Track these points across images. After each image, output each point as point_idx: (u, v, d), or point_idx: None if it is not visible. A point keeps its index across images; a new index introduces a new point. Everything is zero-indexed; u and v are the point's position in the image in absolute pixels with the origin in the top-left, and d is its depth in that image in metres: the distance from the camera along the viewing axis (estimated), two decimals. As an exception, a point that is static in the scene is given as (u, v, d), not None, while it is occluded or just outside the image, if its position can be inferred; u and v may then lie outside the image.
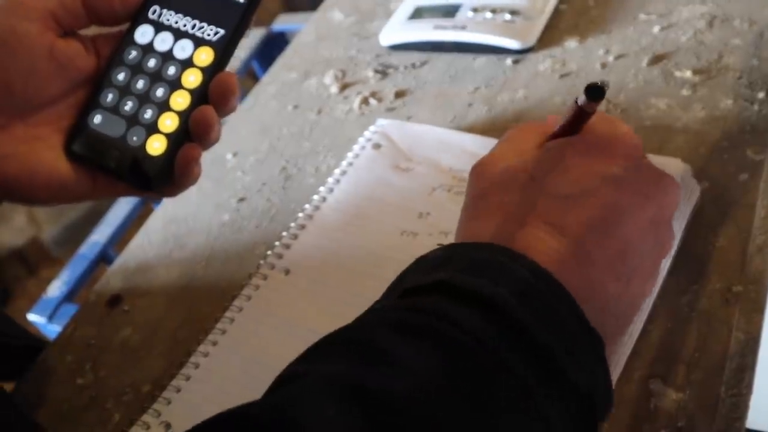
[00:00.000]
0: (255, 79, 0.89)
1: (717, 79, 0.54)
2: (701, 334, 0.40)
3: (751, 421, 0.38)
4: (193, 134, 0.40)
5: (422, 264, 0.34)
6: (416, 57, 0.68)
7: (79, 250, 0.79)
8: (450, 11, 0.67)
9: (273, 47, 1.02)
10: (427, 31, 0.67)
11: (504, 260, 0.32)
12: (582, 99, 0.36)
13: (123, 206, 0.85)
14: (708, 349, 0.40)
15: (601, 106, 0.55)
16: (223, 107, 0.40)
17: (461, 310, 0.30)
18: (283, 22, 1.07)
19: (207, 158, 0.67)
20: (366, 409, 0.27)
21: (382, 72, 0.68)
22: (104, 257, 0.80)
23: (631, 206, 0.35)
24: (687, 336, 0.40)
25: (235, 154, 0.66)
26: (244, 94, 0.74)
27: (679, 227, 0.44)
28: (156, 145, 0.40)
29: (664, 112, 0.53)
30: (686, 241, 0.44)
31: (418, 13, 0.69)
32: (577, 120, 0.37)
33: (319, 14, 0.80)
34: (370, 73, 0.68)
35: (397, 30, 0.69)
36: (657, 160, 0.47)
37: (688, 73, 0.55)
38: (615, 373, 0.39)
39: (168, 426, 0.45)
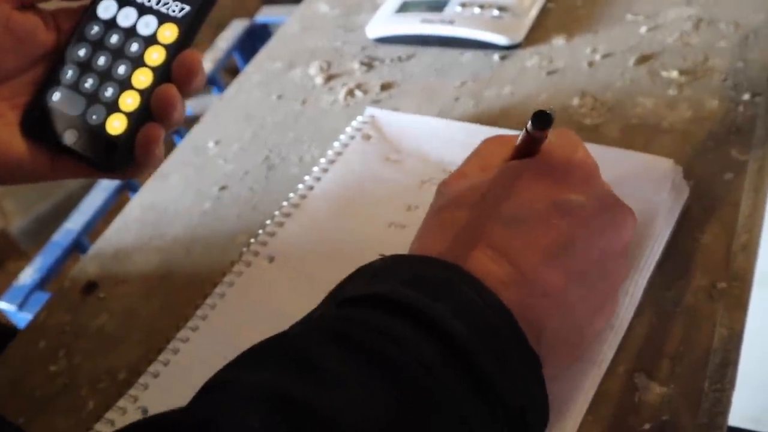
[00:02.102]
0: (235, 71, 0.88)
1: (703, 80, 0.54)
2: (686, 330, 0.40)
3: (733, 418, 0.38)
4: (155, 114, 0.39)
5: (364, 273, 0.33)
6: (403, 50, 0.67)
7: (53, 237, 0.78)
8: (438, 5, 0.66)
9: (255, 39, 1.01)
10: (414, 25, 0.66)
11: (447, 276, 0.31)
12: (530, 125, 0.35)
13: (98, 194, 0.83)
14: (692, 344, 0.40)
15: (589, 104, 0.55)
16: (187, 86, 0.39)
17: (398, 326, 0.29)
18: (266, 14, 1.06)
19: (188, 146, 0.66)
20: (292, 422, 0.26)
21: (368, 64, 0.67)
22: (78, 246, 0.78)
23: (581, 235, 0.34)
24: (672, 331, 0.41)
25: (217, 142, 0.65)
26: (225, 86, 0.73)
27: (668, 226, 0.44)
28: (116, 124, 0.39)
29: (651, 112, 0.53)
30: (673, 239, 0.44)
31: (405, 7, 0.68)
32: (529, 145, 0.37)
33: (304, 6, 0.79)
34: (356, 65, 0.67)
35: (384, 23, 0.68)
36: (650, 159, 0.47)
37: (675, 74, 0.55)
38: (602, 367, 0.39)
39: (145, 411, 0.44)
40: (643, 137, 0.52)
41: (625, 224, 0.35)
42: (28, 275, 0.74)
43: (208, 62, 1.03)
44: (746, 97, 0.52)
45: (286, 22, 0.78)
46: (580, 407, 0.38)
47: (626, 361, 0.40)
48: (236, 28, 1.06)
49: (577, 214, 0.34)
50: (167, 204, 0.61)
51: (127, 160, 0.39)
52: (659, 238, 0.44)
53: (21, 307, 0.71)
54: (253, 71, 0.72)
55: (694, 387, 0.38)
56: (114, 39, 0.40)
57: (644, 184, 0.45)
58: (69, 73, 0.40)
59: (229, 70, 1.14)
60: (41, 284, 0.74)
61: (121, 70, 0.39)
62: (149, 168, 0.41)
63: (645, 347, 0.40)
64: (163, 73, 0.39)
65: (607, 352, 0.40)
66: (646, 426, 0.37)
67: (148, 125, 0.39)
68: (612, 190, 0.37)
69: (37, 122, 0.39)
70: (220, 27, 1.09)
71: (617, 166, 0.47)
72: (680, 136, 0.51)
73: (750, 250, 0.43)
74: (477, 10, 0.64)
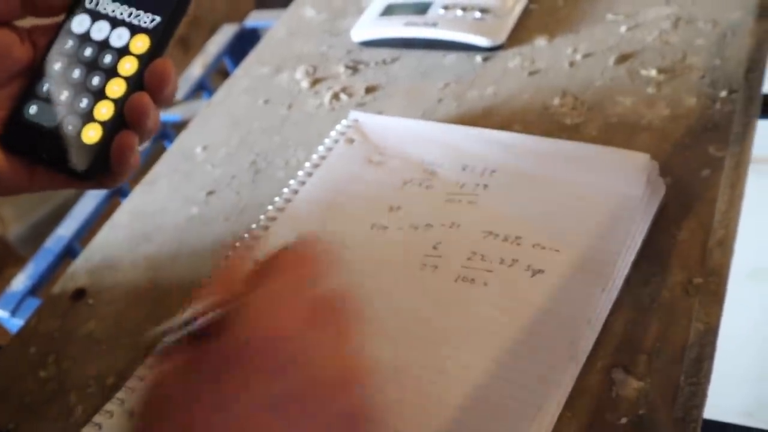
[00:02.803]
0: (226, 75, 0.88)
1: (681, 78, 0.55)
2: (662, 325, 0.41)
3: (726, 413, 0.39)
4: (129, 121, 0.39)
5: None
6: (387, 53, 0.68)
7: (44, 244, 0.78)
8: (421, 8, 0.67)
9: (245, 43, 1.02)
10: (398, 28, 0.67)
11: None
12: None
13: (90, 200, 0.84)
14: (669, 339, 0.40)
15: (570, 104, 0.56)
16: (159, 94, 0.40)
17: None
18: (255, 19, 1.06)
19: (176, 151, 0.67)
20: None
21: (353, 68, 0.68)
22: (70, 252, 0.79)
23: None
24: (649, 326, 0.41)
25: (204, 148, 0.65)
26: (215, 90, 0.74)
27: (645, 222, 0.45)
28: (91, 134, 0.40)
29: (630, 110, 0.54)
30: (650, 235, 0.45)
31: (389, 10, 0.69)
32: None
33: (291, 10, 0.80)
34: (341, 69, 0.68)
35: (368, 26, 0.69)
36: (625, 154, 0.48)
37: (653, 72, 0.56)
38: (579, 363, 0.40)
39: (132, 414, 0.44)
40: (622, 135, 0.52)
41: None
42: (20, 282, 0.75)
43: (198, 66, 1.04)
44: (723, 94, 0.52)
45: (273, 26, 0.78)
46: (557, 403, 0.39)
47: (604, 356, 0.40)
48: (226, 33, 1.07)
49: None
50: (155, 210, 0.61)
51: (102, 168, 0.40)
52: (636, 235, 0.44)
53: (14, 313, 0.72)
54: (241, 76, 0.73)
55: (670, 381, 0.39)
56: (88, 52, 0.41)
57: (619, 179, 0.46)
58: (45, 87, 0.41)
59: (221, 73, 1.15)
60: (33, 291, 0.74)
61: (95, 81, 0.40)
62: (124, 176, 0.41)
63: (622, 343, 0.41)
64: (136, 83, 0.40)
65: (584, 348, 0.40)
66: (623, 420, 0.38)
67: (122, 133, 0.39)
68: None
69: (15, 136, 0.40)
70: (213, 31, 1.10)
71: (592, 162, 0.48)
72: (658, 134, 0.51)
73: (726, 246, 0.44)
74: (460, 12, 0.65)
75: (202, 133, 0.67)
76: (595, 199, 0.47)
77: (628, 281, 0.43)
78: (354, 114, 0.59)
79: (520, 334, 0.42)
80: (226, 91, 0.71)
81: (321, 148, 0.58)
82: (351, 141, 0.57)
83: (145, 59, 0.40)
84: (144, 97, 0.39)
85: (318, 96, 0.66)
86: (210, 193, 0.61)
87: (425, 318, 0.44)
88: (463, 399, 0.40)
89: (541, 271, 0.44)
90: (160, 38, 0.40)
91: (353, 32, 0.70)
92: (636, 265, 0.44)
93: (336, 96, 0.65)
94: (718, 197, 0.46)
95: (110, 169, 0.40)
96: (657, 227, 0.45)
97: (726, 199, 0.46)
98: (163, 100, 0.40)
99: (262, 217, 0.54)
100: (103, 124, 0.39)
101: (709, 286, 0.42)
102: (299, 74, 0.69)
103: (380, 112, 0.62)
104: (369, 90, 0.65)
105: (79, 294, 0.56)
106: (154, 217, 0.61)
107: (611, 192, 0.46)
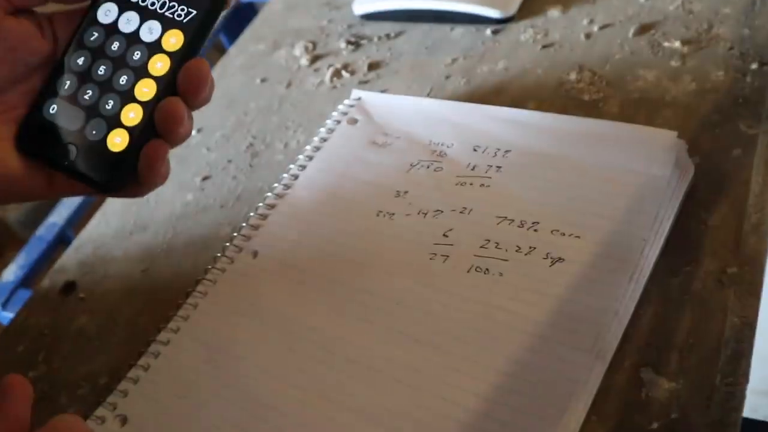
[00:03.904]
0: (223, 52, 0.85)
1: (707, 49, 0.51)
2: (694, 319, 0.38)
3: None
4: (160, 129, 0.36)
5: None
6: (391, 27, 0.64)
7: (37, 232, 0.75)
8: (426, -22, 0.63)
9: (242, 18, 0.97)
10: (402, 0, 0.63)
11: None
12: None
13: (83, 186, 0.80)
14: (702, 335, 0.37)
15: (587, 79, 0.53)
16: (194, 99, 0.36)
17: None
18: (251, -7, 1.02)
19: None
20: None
21: (355, 43, 0.64)
22: (63, 239, 0.76)
23: None
24: (679, 321, 0.38)
25: (199, 130, 0.62)
26: (211, 67, 0.70)
27: (673, 207, 0.42)
28: (117, 140, 0.36)
29: (652, 84, 0.50)
30: (678, 221, 0.42)
31: (392, -19, 0.65)
32: None
33: (288, -17, 0.76)
34: (342, 45, 0.64)
35: (370, -2, 0.65)
36: (651, 132, 0.44)
37: (677, 44, 0.52)
38: (605, 361, 0.37)
39: (124, 420, 0.41)
40: (645, 112, 0.49)
41: None
42: (11, 272, 0.72)
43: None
44: (754, 66, 0.49)
45: (270, 0, 0.75)
46: (582, 405, 0.36)
47: (631, 354, 0.37)
48: (222, 9, 1.03)
49: None
50: (148, 196, 0.57)
51: (129, 178, 0.36)
52: (664, 220, 0.41)
53: (4, 306, 0.69)
54: (236, 53, 0.69)
55: (704, 382, 0.36)
56: (115, 46, 0.37)
57: (645, 159, 0.43)
58: (67, 84, 0.37)
59: (217, 50, 1.11)
60: (25, 281, 0.71)
61: (123, 80, 0.36)
62: (153, 187, 0.38)
63: (651, 339, 0.38)
64: (167, 84, 0.36)
65: (611, 344, 0.37)
66: (654, 425, 0.35)
67: (152, 142, 0.36)
68: None
69: (33, 138, 0.36)
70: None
71: (614, 141, 0.45)
72: (684, 110, 0.48)
73: (762, 231, 0.41)
74: (467, -18, 0.61)
75: (197, 114, 0.63)
76: (618, 180, 0.43)
77: (656, 271, 0.40)
78: (356, 92, 0.56)
79: (540, 330, 0.39)
80: (220, 69, 0.68)
81: (322, 129, 0.54)
82: (354, 121, 0.54)
83: (178, 58, 0.36)
84: (177, 103, 0.35)
85: (318, 74, 0.63)
86: (205, 178, 0.58)
87: (436, 313, 0.41)
88: (480, 402, 0.37)
89: (561, 260, 0.41)
90: (195, 35, 0.36)
91: (355, 5, 0.66)
92: (664, 253, 0.41)
93: (337, 73, 0.62)
94: (751, 178, 0.43)
95: (137, 179, 0.36)
96: (685, 212, 0.42)
97: (760, 180, 0.43)
98: (198, 105, 0.36)
99: (260, 204, 0.51)
100: (131, 130, 0.36)
101: (745, 275, 0.39)
102: (298, 51, 0.65)
103: (384, 90, 0.58)
104: (372, 66, 0.61)
105: (70, 287, 0.53)
106: (147, 204, 0.58)
107: (636, 173, 0.43)
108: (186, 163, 0.60)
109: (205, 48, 0.38)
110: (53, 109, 0.37)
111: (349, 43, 0.64)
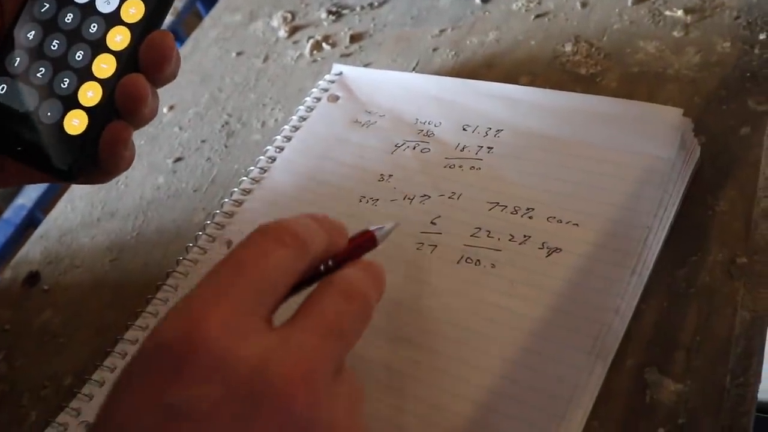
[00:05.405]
0: (200, 20, 0.80)
1: (712, 18, 0.48)
2: (702, 314, 0.35)
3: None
4: (121, 109, 0.33)
5: None
6: (374, -4, 0.60)
7: (3, 215, 0.71)
8: (411, -57, 0.59)
9: (218, -13, 0.93)
10: (386, -34, 0.59)
11: None
12: None
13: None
14: (710, 332, 0.35)
15: (584, 51, 0.49)
16: (158, 75, 0.33)
17: None
18: (228, -40, 0.97)
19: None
20: None
21: (336, 13, 0.60)
22: (32, 222, 0.72)
23: None
24: (686, 316, 0.35)
25: (171, 108, 0.58)
26: (187, 36, 0.66)
27: (678, 191, 0.39)
28: (75, 123, 0.33)
29: (654, 57, 0.47)
30: (683, 206, 0.39)
31: (375, -54, 0.61)
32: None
33: (265, -52, 0.71)
34: (323, 15, 0.60)
35: (352, -35, 0.61)
36: (653, 109, 0.41)
37: (680, 13, 0.49)
38: (607, 361, 0.34)
39: (89, 426, 0.38)
40: (646, 87, 0.46)
41: (277, 411, 0.24)
42: (-23, 259, 0.68)
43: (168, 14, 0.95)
44: (762, 36, 0.45)
45: (245, -33, 0.70)
46: (582, 410, 0.33)
47: (634, 353, 0.35)
48: (198, -24, 0.98)
49: (196, 413, 0.24)
50: (117, 179, 0.54)
51: (90, 164, 0.33)
52: (668, 206, 0.38)
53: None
54: (211, 25, 0.65)
55: (713, 383, 0.33)
56: (69, 18, 0.33)
57: (647, 139, 0.40)
58: (17, 61, 0.33)
59: (197, 18, 1.06)
60: (-8, 268, 0.68)
61: (79, 56, 0.33)
62: (117, 173, 0.35)
63: (656, 337, 0.35)
64: (128, 60, 0.33)
65: (612, 343, 0.35)
66: (660, 431, 0.32)
67: (113, 124, 0.33)
68: (262, 369, 0.24)
69: None
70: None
71: (614, 119, 0.42)
72: (688, 85, 0.45)
73: (773, 218, 0.38)
74: (455, -54, 0.57)
75: (168, 90, 0.59)
76: (618, 163, 0.40)
77: (660, 262, 0.37)
78: (338, 67, 0.52)
79: (536, 327, 0.36)
80: (193, 42, 0.64)
81: (301, 107, 0.51)
82: (335, 98, 0.50)
83: (139, 30, 0.33)
84: (139, 80, 0.32)
85: (297, 46, 0.59)
86: (178, 159, 0.54)
87: (423, 309, 0.38)
88: (472, 407, 0.34)
89: (557, 250, 0.38)
90: (157, 4, 0.33)
91: (335, -28, 0.62)
92: (668, 242, 0.38)
93: (317, 46, 0.58)
94: (761, 159, 0.40)
95: (98, 164, 0.33)
96: (691, 197, 0.39)
97: (771, 161, 0.40)
98: (162, 81, 0.33)
99: (235, 190, 0.47)
100: (89, 111, 0.33)
101: (755, 266, 0.36)
102: (276, 21, 0.62)
103: (367, 64, 0.55)
104: (354, 38, 0.57)
105: (33, 278, 0.50)
106: (116, 188, 0.54)
107: (638, 155, 0.40)
108: (157, 142, 0.56)
109: (180, 18, 0.35)
110: (2, 89, 0.34)
111: (330, 13, 0.60)
